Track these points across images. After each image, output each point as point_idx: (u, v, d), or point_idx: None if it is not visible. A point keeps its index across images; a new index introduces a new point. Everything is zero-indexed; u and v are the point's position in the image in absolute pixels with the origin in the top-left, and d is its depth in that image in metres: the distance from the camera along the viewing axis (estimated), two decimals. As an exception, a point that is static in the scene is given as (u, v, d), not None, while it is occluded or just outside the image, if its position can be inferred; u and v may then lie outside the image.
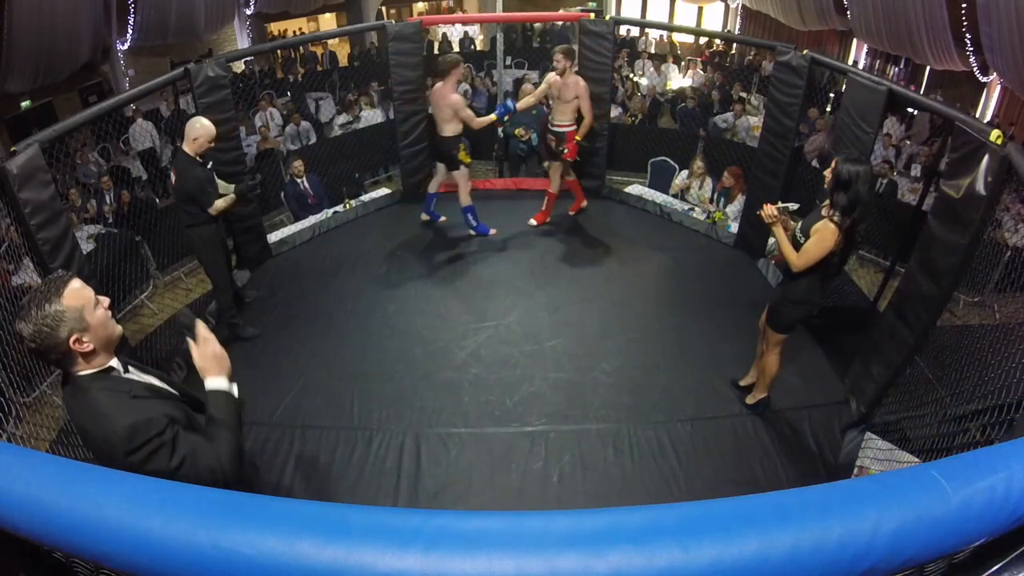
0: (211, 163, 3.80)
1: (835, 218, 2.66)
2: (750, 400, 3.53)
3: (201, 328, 1.64)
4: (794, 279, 2.89)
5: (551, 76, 4.89)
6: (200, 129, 3.58)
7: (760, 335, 3.35)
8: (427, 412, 3.52)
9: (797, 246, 2.87)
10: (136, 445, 1.45)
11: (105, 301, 1.57)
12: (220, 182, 3.90)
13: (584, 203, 5.66)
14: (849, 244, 2.72)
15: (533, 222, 5.43)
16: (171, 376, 1.83)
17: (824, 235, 2.69)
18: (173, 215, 4.93)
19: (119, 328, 1.61)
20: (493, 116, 4.71)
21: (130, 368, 1.65)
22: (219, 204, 3.71)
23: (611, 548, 0.90)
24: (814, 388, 3.68)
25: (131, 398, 1.54)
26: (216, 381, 1.64)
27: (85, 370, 1.53)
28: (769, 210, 2.81)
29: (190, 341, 1.64)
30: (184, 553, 0.94)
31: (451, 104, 4.57)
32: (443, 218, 5.42)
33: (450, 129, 4.68)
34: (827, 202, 2.75)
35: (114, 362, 1.60)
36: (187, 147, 3.61)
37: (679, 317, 4.31)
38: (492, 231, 5.24)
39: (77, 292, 1.49)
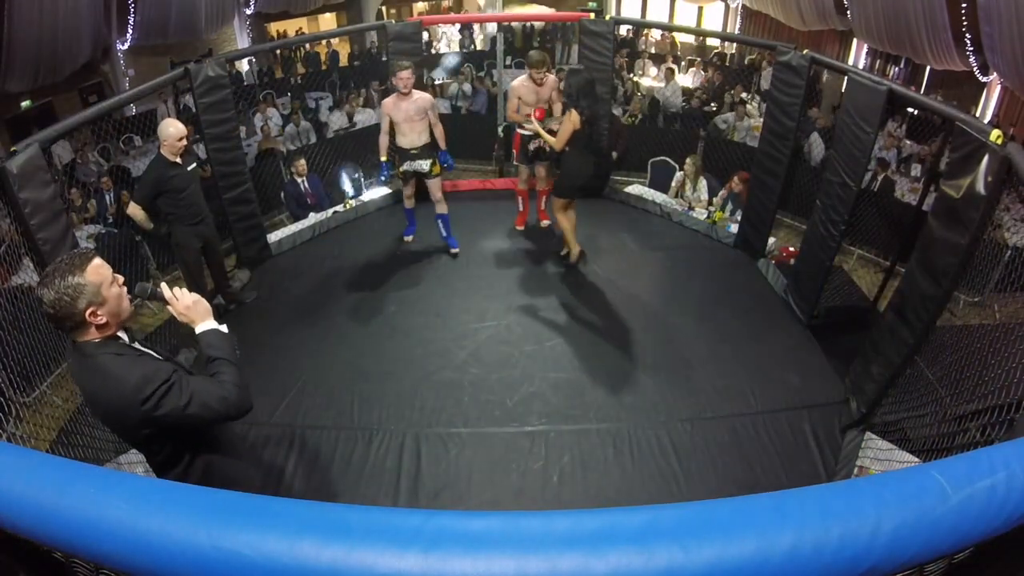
0: (193, 164, 3.83)
1: (575, 110, 3.97)
2: (568, 258, 4.66)
3: (164, 290, 1.81)
4: (563, 157, 4.21)
5: (523, 82, 4.74)
6: (173, 131, 3.66)
7: (552, 209, 4.65)
8: (427, 412, 3.52)
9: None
10: (148, 394, 1.57)
11: (120, 279, 1.70)
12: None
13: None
14: (585, 125, 4.03)
15: (545, 222, 5.42)
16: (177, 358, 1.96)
17: (570, 119, 4.00)
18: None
19: (130, 307, 1.74)
20: (382, 157, 4.58)
21: (135, 344, 1.77)
22: (136, 210, 3.75)
23: (611, 548, 0.90)
24: (814, 388, 3.68)
25: (137, 356, 1.68)
26: (204, 325, 1.80)
27: (93, 338, 1.63)
28: (535, 127, 4.33)
29: (168, 304, 1.81)
30: (184, 553, 0.94)
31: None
32: (455, 251, 5.10)
33: None
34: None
35: (121, 333, 1.72)
36: (161, 149, 3.70)
37: (679, 317, 4.31)
38: (409, 238, 5.16)
39: (97, 269, 1.61)
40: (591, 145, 4.24)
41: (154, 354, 1.80)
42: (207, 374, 1.75)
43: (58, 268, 1.56)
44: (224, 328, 1.84)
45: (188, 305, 1.79)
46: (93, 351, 1.62)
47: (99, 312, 1.60)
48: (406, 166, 4.62)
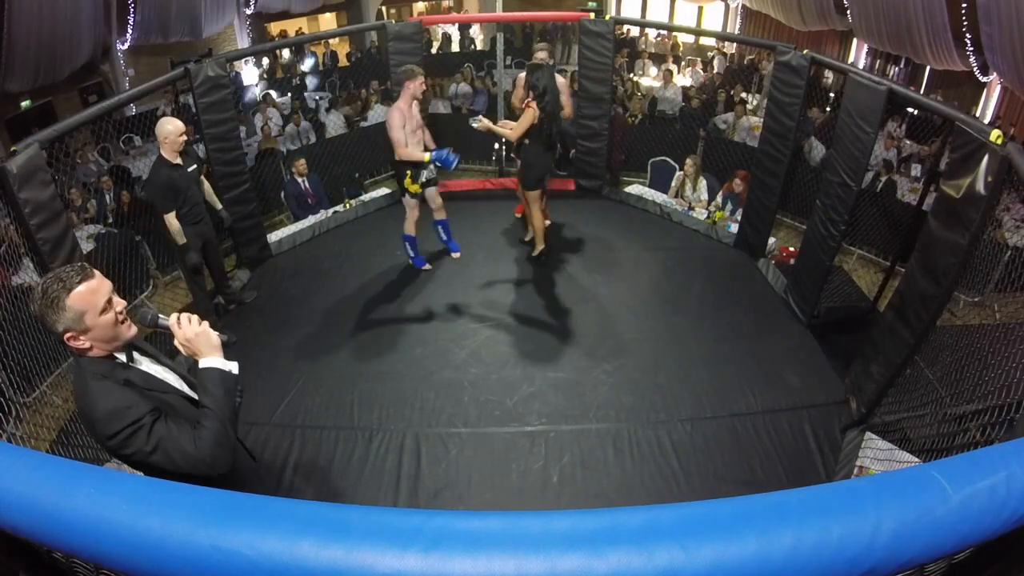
0: (193, 166, 3.83)
1: (533, 103, 4.14)
2: (535, 253, 4.77)
3: (171, 320, 1.64)
4: (523, 149, 4.36)
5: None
6: (171, 128, 3.66)
7: (523, 201, 4.81)
8: (427, 412, 3.52)
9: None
10: (113, 431, 1.47)
11: (119, 305, 1.56)
12: (205, 185, 4.04)
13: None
14: (546, 118, 4.19)
15: (546, 222, 5.39)
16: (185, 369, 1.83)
17: (527, 114, 4.17)
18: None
19: (131, 331, 1.60)
20: (425, 157, 4.17)
21: (136, 357, 1.66)
22: (173, 224, 3.73)
23: (611, 548, 0.90)
24: (814, 388, 3.68)
25: (120, 385, 1.54)
26: (207, 361, 1.63)
27: (85, 355, 1.54)
28: (483, 123, 4.28)
29: (171, 332, 1.65)
30: (184, 553, 0.94)
31: (387, 123, 4.14)
32: (456, 254, 5.00)
33: (398, 152, 4.21)
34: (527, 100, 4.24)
35: (119, 354, 1.59)
36: (162, 150, 3.70)
37: (679, 317, 4.31)
38: (427, 266, 4.81)
39: (83, 296, 1.47)
40: (550, 139, 4.35)
41: (159, 373, 1.69)
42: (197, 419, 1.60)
43: (48, 283, 1.46)
44: (233, 367, 1.66)
45: (189, 337, 1.61)
46: (84, 366, 1.54)
47: (80, 338, 1.49)
48: (425, 176, 4.37)
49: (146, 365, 1.68)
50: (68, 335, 1.48)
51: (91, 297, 1.49)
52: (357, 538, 0.92)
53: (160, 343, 3.29)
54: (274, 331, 4.22)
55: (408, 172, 4.31)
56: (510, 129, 4.28)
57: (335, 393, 3.65)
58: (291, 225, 5.60)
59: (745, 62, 11.00)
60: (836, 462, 3.23)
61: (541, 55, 4.61)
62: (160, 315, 1.69)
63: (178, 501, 1.00)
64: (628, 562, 0.88)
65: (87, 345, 1.52)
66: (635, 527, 0.93)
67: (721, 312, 4.37)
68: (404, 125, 4.14)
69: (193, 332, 1.62)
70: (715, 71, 10.66)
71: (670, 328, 4.20)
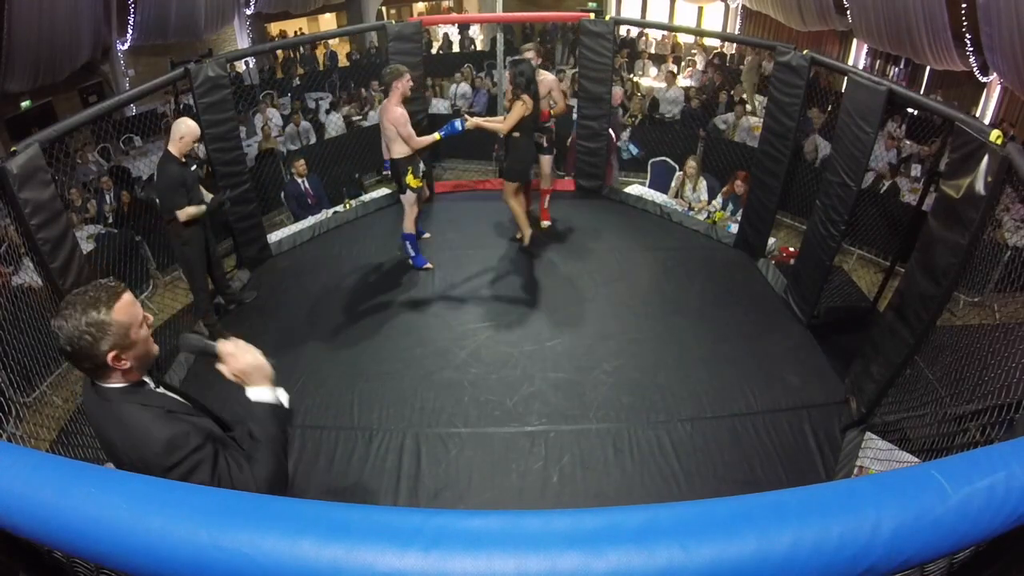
0: (195, 166, 3.84)
1: (522, 97, 4.20)
2: (525, 243, 4.78)
3: (221, 344, 1.53)
4: (512, 142, 4.40)
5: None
6: (186, 129, 3.68)
7: (504, 195, 4.74)
8: (427, 412, 3.52)
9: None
10: (175, 461, 1.37)
11: (148, 319, 1.50)
12: (204, 192, 3.99)
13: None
14: (535, 113, 4.35)
15: (546, 223, 5.42)
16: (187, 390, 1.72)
17: (518, 106, 4.21)
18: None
19: (156, 348, 1.53)
20: (436, 136, 4.31)
21: (161, 389, 1.58)
22: (190, 211, 3.75)
23: (611, 548, 0.90)
24: (814, 388, 3.68)
25: (166, 412, 1.45)
26: (257, 392, 1.51)
27: (115, 383, 1.43)
28: (471, 122, 4.32)
29: (219, 362, 1.53)
30: (184, 553, 0.94)
31: (393, 121, 4.16)
32: (427, 235, 5.22)
33: (398, 150, 4.26)
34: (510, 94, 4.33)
35: (146, 377, 1.52)
36: (172, 147, 3.70)
37: (679, 317, 4.31)
38: (428, 264, 4.82)
39: (127, 308, 1.40)
40: (535, 131, 4.55)
41: (182, 400, 1.59)
42: (244, 450, 1.50)
43: (80, 300, 1.35)
44: (284, 398, 1.56)
45: (243, 368, 1.49)
46: (116, 398, 1.41)
47: (123, 356, 1.38)
48: (421, 169, 4.46)
49: (161, 391, 1.58)
50: (113, 354, 1.36)
51: (132, 308, 1.41)
52: (357, 537, 0.92)
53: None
54: (274, 331, 4.22)
55: (409, 168, 4.36)
56: (500, 122, 4.40)
57: (335, 393, 3.65)
58: (291, 225, 5.60)
59: (744, 63, 10.99)
60: (836, 462, 3.23)
61: (528, 54, 4.78)
62: (208, 341, 1.56)
63: (178, 501, 1.00)
64: (628, 561, 0.88)
65: (129, 366, 1.41)
66: (634, 526, 0.93)
67: (721, 312, 4.37)
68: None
69: (246, 362, 1.50)
70: (697, 66, 10.83)
71: (670, 328, 4.20)
